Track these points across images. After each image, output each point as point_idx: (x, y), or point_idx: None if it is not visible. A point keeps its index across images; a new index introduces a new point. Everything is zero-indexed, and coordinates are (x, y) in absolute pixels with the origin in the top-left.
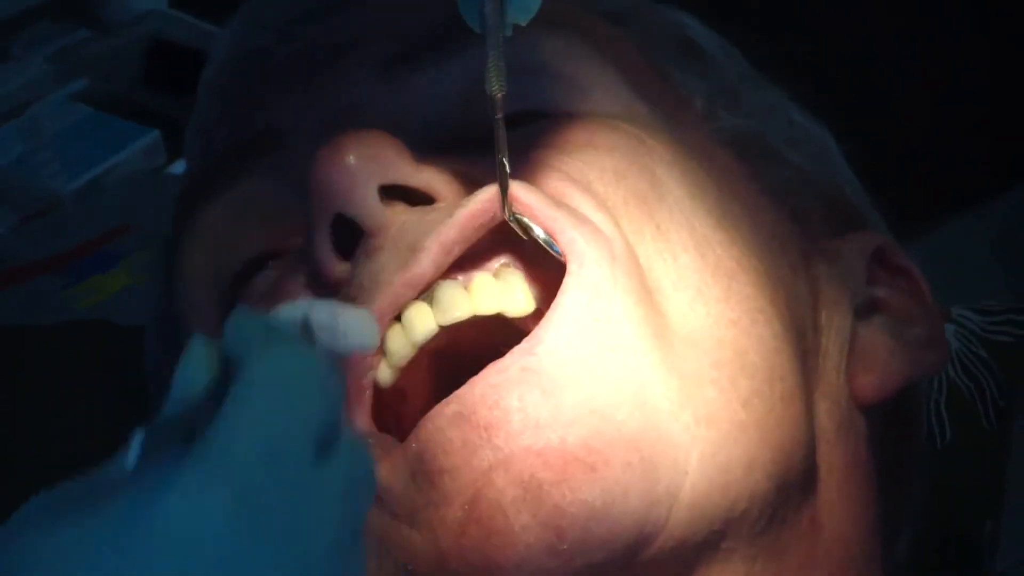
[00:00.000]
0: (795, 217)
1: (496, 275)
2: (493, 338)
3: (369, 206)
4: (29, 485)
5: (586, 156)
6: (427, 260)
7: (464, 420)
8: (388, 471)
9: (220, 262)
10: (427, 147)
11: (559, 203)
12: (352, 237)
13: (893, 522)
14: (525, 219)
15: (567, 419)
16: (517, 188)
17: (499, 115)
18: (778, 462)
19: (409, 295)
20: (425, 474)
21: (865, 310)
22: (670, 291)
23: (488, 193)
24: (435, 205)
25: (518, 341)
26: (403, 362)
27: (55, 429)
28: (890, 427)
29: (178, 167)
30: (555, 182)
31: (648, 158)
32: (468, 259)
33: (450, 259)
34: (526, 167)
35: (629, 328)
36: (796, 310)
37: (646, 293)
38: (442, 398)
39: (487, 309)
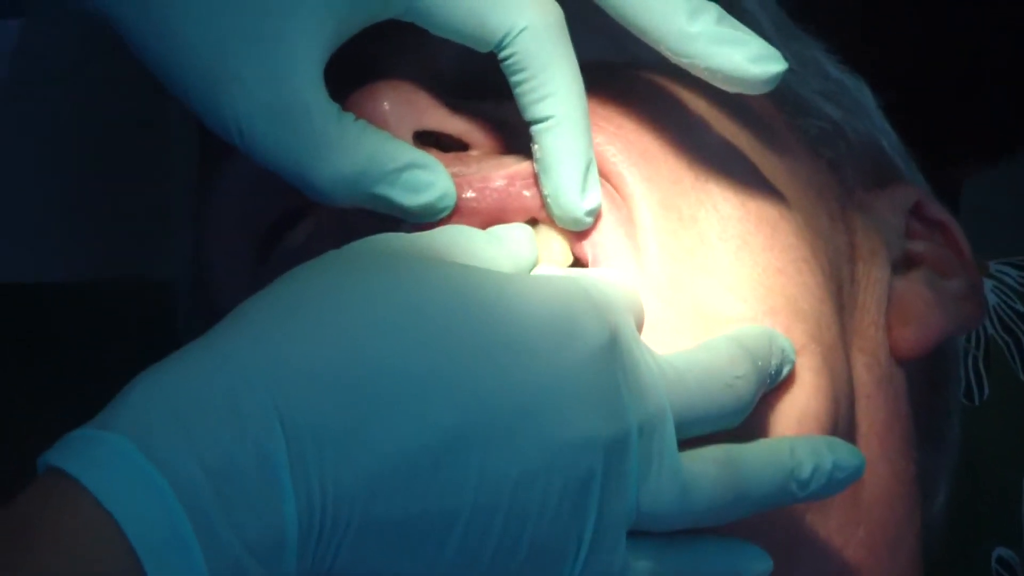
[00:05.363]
0: (832, 169)
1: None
2: None
3: None
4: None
5: (633, 112)
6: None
7: None
8: None
9: (254, 209)
10: (460, 86)
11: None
12: None
13: (931, 478)
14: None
15: None
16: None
17: None
18: (828, 414)
19: None
20: None
21: (903, 264)
22: (715, 241)
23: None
24: (469, 152)
25: None
26: None
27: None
28: (928, 382)
29: None
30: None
31: (688, 109)
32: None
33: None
34: None
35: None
36: (835, 262)
37: (682, 251)
38: None
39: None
